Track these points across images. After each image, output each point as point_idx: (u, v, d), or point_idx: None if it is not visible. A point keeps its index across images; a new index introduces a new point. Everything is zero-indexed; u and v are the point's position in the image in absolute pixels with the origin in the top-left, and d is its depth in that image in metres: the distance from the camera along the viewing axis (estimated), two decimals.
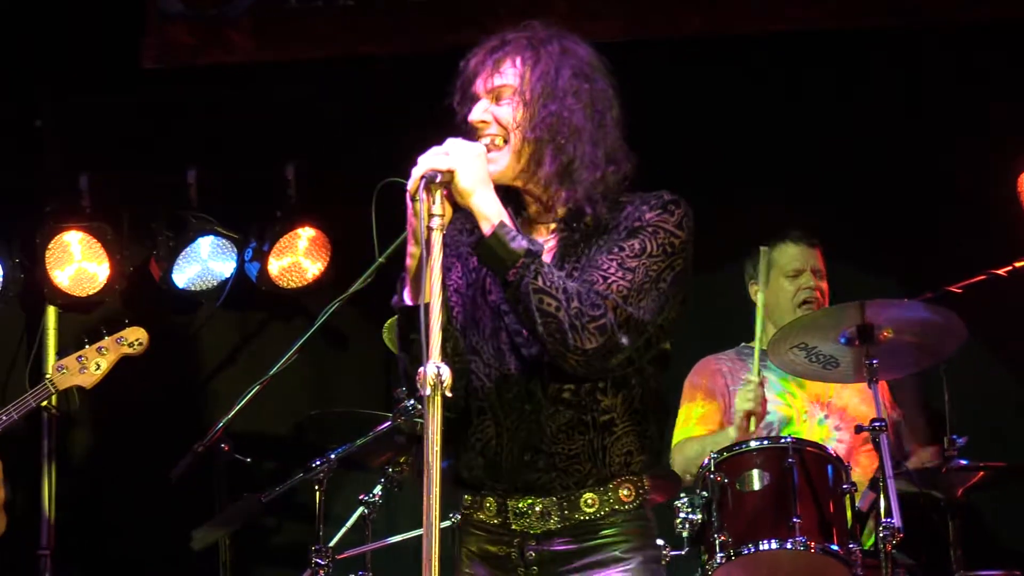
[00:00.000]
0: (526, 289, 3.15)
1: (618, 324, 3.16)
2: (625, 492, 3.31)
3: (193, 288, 6.43)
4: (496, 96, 3.33)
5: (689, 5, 6.26)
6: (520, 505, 3.32)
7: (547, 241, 3.35)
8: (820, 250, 5.63)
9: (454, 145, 3.20)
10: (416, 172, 3.14)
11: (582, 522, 3.30)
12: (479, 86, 3.35)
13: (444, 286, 3.24)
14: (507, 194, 3.33)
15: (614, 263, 3.22)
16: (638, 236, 3.25)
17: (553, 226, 3.37)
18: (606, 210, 3.31)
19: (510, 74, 3.32)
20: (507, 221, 3.20)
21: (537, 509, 3.31)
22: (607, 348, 3.17)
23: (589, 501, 3.30)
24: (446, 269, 3.29)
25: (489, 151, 3.28)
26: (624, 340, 3.17)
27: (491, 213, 3.19)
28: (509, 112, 3.30)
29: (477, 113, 3.32)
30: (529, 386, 3.29)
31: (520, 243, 3.17)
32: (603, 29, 6.23)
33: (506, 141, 3.30)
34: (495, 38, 3.38)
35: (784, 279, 5.59)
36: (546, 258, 3.29)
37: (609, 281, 3.19)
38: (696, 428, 5.44)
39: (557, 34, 3.39)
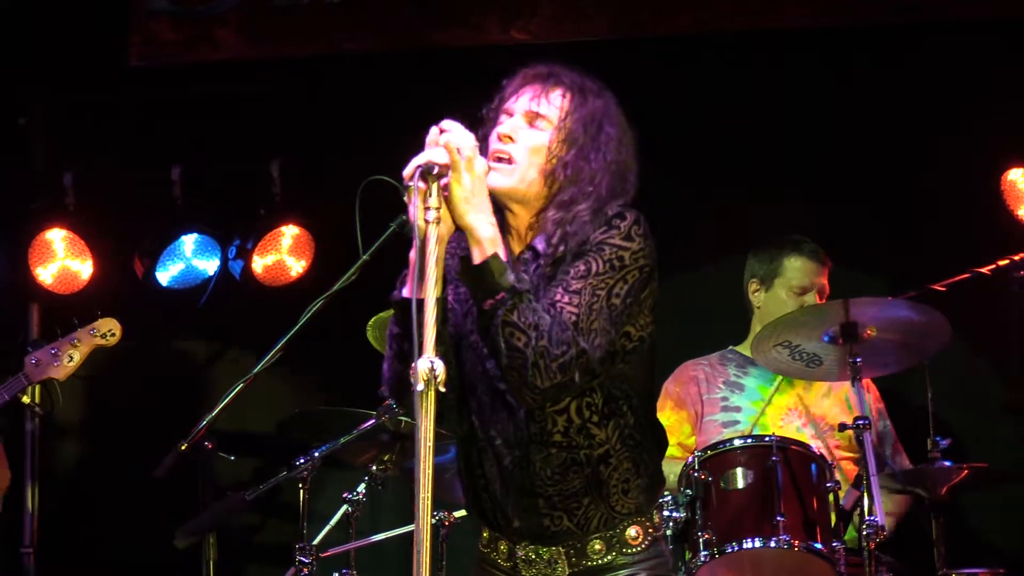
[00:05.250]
0: (498, 321, 3.09)
1: (575, 357, 3.10)
2: (632, 533, 3.30)
3: (177, 286, 6.41)
4: (531, 120, 3.30)
5: (677, 3, 6.26)
6: (529, 553, 3.31)
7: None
8: (829, 268, 5.54)
9: (461, 142, 3.11)
10: (414, 160, 3.09)
11: (590, 568, 3.28)
12: (519, 104, 3.32)
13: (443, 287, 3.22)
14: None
15: (559, 288, 3.15)
16: (583, 258, 3.19)
17: (524, 258, 3.30)
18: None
19: (555, 106, 3.29)
20: (502, 252, 3.13)
21: (544, 557, 3.30)
22: (561, 385, 3.12)
23: (597, 547, 3.28)
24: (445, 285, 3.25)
25: (494, 161, 3.25)
26: (576, 377, 3.12)
27: (486, 237, 3.12)
28: (538, 138, 3.28)
29: (507, 127, 3.29)
30: (516, 432, 3.27)
31: (508, 278, 3.10)
32: (591, 28, 6.24)
33: (512, 161, 3.26)
34: (545, 65, 3.36)
35: (787, 292, 5.50)
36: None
37: (558, 308, 3.12)
38: None
39: (603, 90, 3.36)
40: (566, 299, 3.13)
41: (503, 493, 3.29)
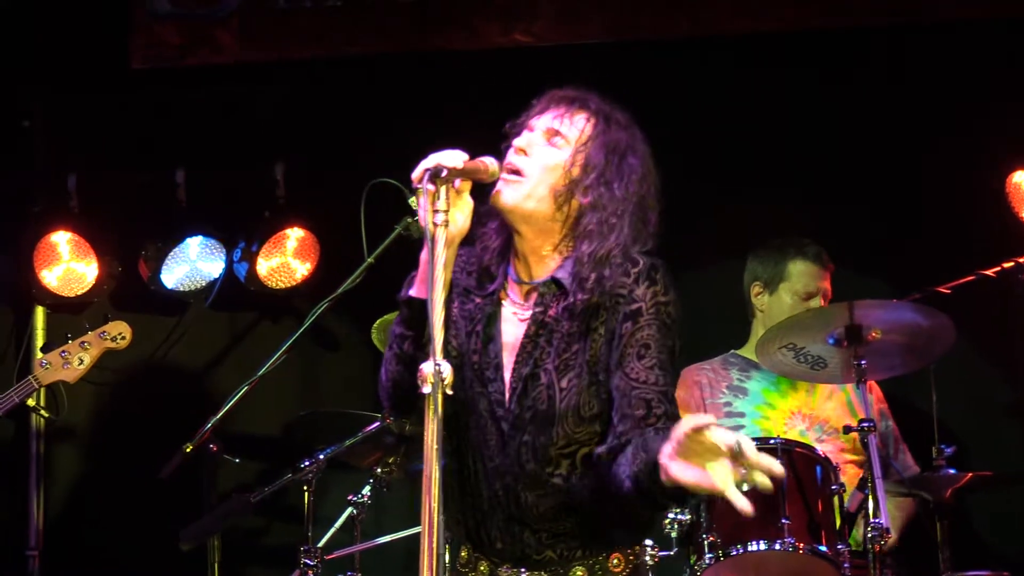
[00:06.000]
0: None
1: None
2: (615, 562, 3.28)
3: (181, 288, 6.41)
4: (550, 137, 3.27)
5: (676, 6, 6.26)
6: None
7: (527, 306, 3.29)
8: (831, 271, 5.53)
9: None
10: (423, 163, 3.06)
11: None
12: (540, 122, 3.29)
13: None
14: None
15: (645, 374, 3.14)
16: (645, 329, 3.18)
17: (543, 291, 3.27)
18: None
19: (577, 128, 3.26)
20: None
21: None
22: None
23: (579, 574, 3.26)
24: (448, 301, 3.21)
25: (504, 176, 3.22)
26: None
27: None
28: (553, 156, 3.25)
29: (523, 140, 3.26)
30: (508, 463, 3.25)
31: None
32: (590, 31, 6.24)
33: (522, 175, 3.23)
34: (575, 89, 3.32)
35: (792, 296, 5.48)
36: (522, 316, 3.26)
37: (651, 405, 3.13)
38: None
39: (632, 125, 3.33)
40: (652, 379, 3.14)
41: (490, 513, 3.27)
